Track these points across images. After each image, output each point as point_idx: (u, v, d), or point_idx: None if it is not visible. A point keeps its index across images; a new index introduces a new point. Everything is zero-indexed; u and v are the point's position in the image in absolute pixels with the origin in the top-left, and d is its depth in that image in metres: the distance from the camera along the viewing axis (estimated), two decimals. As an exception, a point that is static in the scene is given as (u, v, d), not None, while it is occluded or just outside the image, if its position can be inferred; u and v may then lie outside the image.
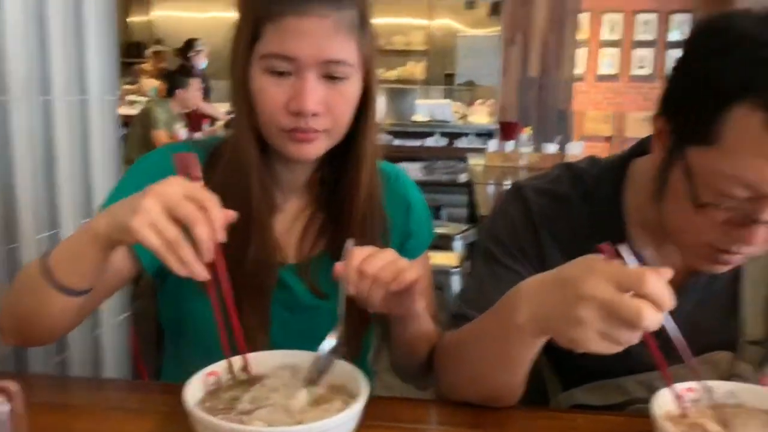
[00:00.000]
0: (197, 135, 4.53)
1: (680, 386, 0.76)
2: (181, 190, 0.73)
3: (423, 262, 1.09)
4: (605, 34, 7.80)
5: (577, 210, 0.94)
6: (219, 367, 0.81)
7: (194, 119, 4.67)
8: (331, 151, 0.95)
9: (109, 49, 1.59)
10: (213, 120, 5.10)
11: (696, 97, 0.76)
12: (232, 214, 0.75)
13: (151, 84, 6.52)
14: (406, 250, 1.06)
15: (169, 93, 4.82)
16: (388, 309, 0.85)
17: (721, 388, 0.78)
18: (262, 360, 0.84)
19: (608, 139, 7.81)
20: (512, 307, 0.74)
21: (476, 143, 5.82)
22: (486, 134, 5.77)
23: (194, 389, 0.76)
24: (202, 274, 0.72)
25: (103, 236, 0.77)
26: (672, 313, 0.87)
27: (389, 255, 0.82)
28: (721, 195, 0.74)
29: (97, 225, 0.78)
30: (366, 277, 0.80)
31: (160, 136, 4.55)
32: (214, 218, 0.72)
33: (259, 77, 0.89)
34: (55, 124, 1.43)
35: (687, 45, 0.81)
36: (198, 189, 0.74)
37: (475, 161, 4.23)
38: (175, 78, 4.82)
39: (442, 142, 5.99)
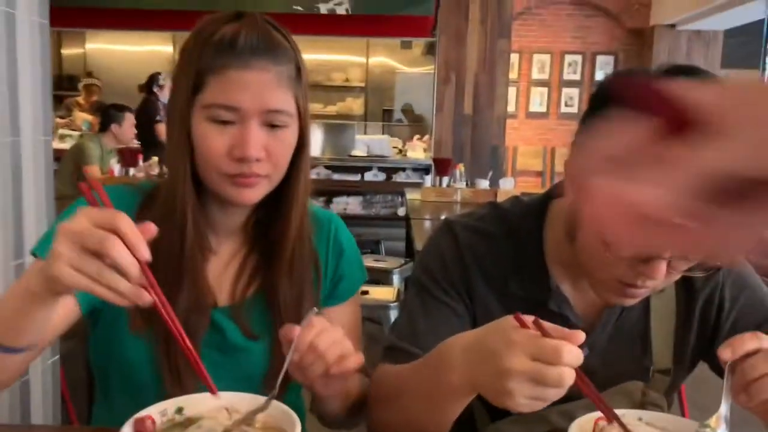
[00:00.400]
0: (132, 171, 4.45)
1: (593, 415, 0.83)
2: (87, 220, 0.70)
3: (354, 303, 1.13)
4: (535, 74, 8.16)
5: (502, 247, 1.00)
6: (154, 410, 0.83)
7: (128, 155, 4.59)
8: (266, 195, 0.98)
9: (44, 89, 1.59)
10: (147, 156, 5.03)
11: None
12: (151, 228, 0.72)
13: (83, 118, 6.39)
14: (338, 292, 1.10)
15: (103, 128, 4.73)
16: (320, 386, 0.87)
17: (631, 415, 0.85)
18: (197, 401, 0.86)
19: (539, 173, 8.13)
20: (446, 368, 0.78)
21: (414, 178, 5.94)
22: (423, 169, 5.89)
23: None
24: (141, 297, 0.71)
25: (36, 292, 0.76)
26: (590, 345, 0.95)
27: (339, 335, 0.85)
28: None
29: (28, 281, 0.77)
30: (314, 351, 0.82)
31: (93, 171, 4.46)
32: (129, 238, 0.69)
33: (202, 125, 0.91)
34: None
35: (591, 99, 0.89)
36: (105, 213, 0.71)
37: (412, 196, 4.32)
38: (109, 113, 4.74)
39: (381, 176, 6.09)
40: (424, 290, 1.01)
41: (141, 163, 4.60)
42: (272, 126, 0.93)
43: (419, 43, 7.14)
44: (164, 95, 5.42)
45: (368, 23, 5.93)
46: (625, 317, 0.99)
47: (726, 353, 0.74)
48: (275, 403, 0.83)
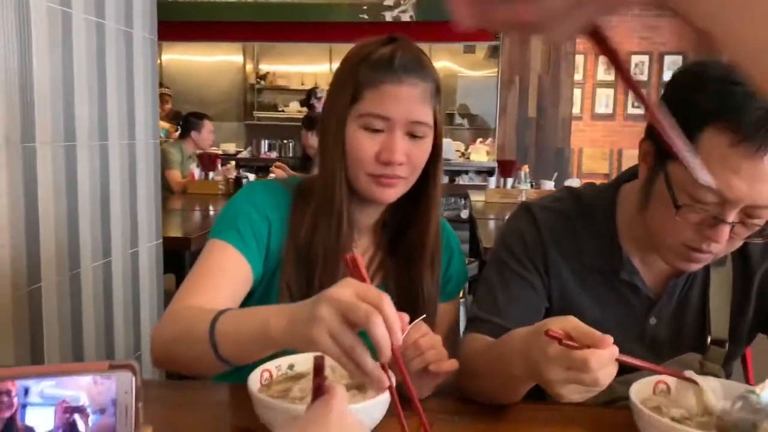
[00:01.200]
0: (211, 174, 4.71)
1: (652, 378, 0.93)
2: (353, 291, 0.72)
3: (457, 303, 1.27)
4: (600, 75, 8.09)
5: (577, 224, 1.10)
6: (270, 364, 0.98)
7: (207, 160, 4.86)
8: (398, 199, 1.12)
9: (153, 98, 1.79)
10: (225, 160, 5.31)
11: (676, 121, 0.95)
12: (405, 318, 0.73)
13: (161, 126, 6.75)
14: (447, 290, 1.23)
15: (183, 134, 5.03)
16: (413, 382, 0.94)
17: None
18: (305, 360, 1.00)
19: (606, 176, 8.03)
20: (508, 360, 0.90)
21: (477, 180, 6.03)
22: (486, 172, 5.97)
23: (253, 382, 0.92)
24: (382, 382, 0.72)
25: (279, 342, 0.81)
26: (657, 315, 1.05)
27: (439, 341, 0.97)
28: (694, 200, 0.91)
29: (274, 329, 0.80)
30: (417, 348, 0.94)
31: (174, 175, 4.74)
32: (390, 320, 0.70)
33: (356, 132, 1.06)
34: (109, 165, 1.62)
35: (670, 82, 1.00)
36: (371, 290, 0.73)
37: (476, 198, 4.40)
38: (189, 120, 5.03)
39: (444, 179, 6.20)
40: (503, 265, 1.11)
41: (219, 167, 4.85)
42: (414, 136, 1.07)
43: (482, 47, 7.21)
44: (319, 106, 5.69)
45: (432, 29, 6.04)
46: (689, 289, 1.08)
47: None
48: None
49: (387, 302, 0.71)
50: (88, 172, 1.54)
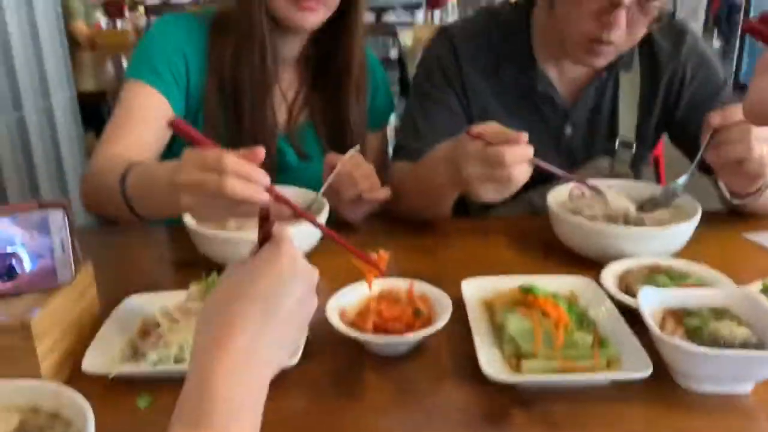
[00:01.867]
0: (119, 23, 4.39)
1: (568, 185, 1.00)
2: (193, 167, 0.68)
3: (384, 132, 1.28)
4: None
5: (494, 40, 1.12)
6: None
7: (113, 7, 4.50)
8: (320, 28, 1.08)
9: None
10: (132, 5, 4.92)
11: None
12: (260, 153, 0.68)
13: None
14: (371, 121, 1.22)
15: (84, -20, 4.60)
16: (348, 210, 1.02)
17: (601, 183, 1.01)
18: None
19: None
20: (433, 172, 0.95)
21: (404, 17, 5.83)
22: (414, 6, 5.76)
23: (189, 219, 0.93)
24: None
25: (167, 204, 0.76)
26: (572, 123, 1.10)
27: (372, 170, 1.00)
28: None
29: (176, 199, 0.72)
30: (351, 178, 0.97)
31: (79, 27, 4.39)
32: (241, 172, 0.66)
33: None
34: (3, 8, 1.48)
35: None
36: (207, 157, 0.67)
37: (405, 35, 4.28)
38: (88, -36, 4.58)
39: (370, 17, 5.97)
40: (422, 93, 1.14)
41: (127, 14, 4.52)
42: None
43: None
44: None
45: None
46: (600, 96, 1.13)
47: (716, 119, 0.86)
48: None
49: (227, 160, 0.66)
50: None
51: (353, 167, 0.99)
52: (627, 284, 0.80)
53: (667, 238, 0.89)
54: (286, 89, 1.16)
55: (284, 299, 0.52)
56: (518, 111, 1.12)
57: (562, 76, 1.12)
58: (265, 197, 0.65)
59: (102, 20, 4.49)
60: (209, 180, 0.66)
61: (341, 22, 1.10)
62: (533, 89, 1.11)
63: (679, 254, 0.89)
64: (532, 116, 1.12)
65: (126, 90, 1.04)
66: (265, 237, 0.57)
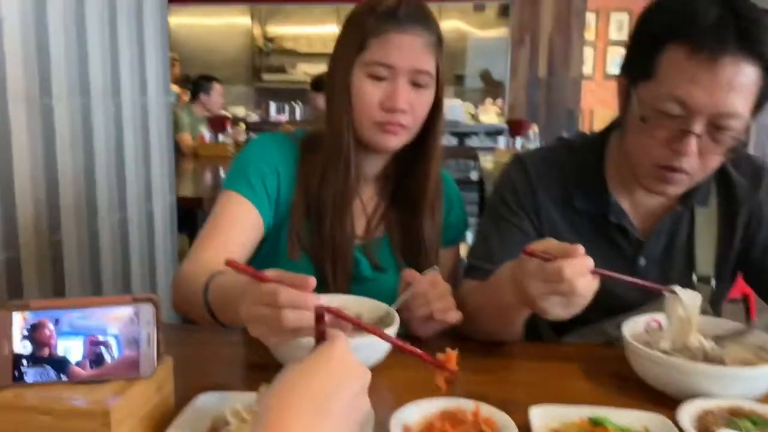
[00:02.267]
0: (221, 137, 4.74)
1: (645, 317, 0.98)
2: (256, 305, 0.74)
3: (456, 250, 1.33)
4: (613, 34, 7.97)
5: (567, 170, 1.14)
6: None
7: (217, 122, 4.89)
8: (401, 150, 1.17)
9: (164, 56, 1.82)
10: (235, 122, 5.33)
11: (640, 45, 1.01)
12: (311, 281, 0.73)
13: (172, 89, 6.77)
14: (445, 238, 1.27)
15: (193, 97, 5.06)
16: (419, 327, 1.04)
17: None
18: (337, 300, 1.03)
19: (616, 136, 7.96)
20: (501, 291, 0.95)
21: (487, 142, 6.01)
22: (496, 133, 5.95)
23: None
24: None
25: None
26: (646, 255, 1.09)
27: (447, 291, 1.03)
28: (660, 113, 0.96)
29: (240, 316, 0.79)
30: (425, 297, 1.01)
31: (185, 138, 4.78)
32: (296, 303, 0.71)
33: (361, 80, 1.11)
34: (123, 121, 1.66)
35: (636, 19, 1.04)
36: (265, 294, 0.73)
37: (486, 159, 4.40)
38: (199, 83, 5.06)
39: (453, 141, 6.18)
40: (496, 215, 1.17)
41: (229, 130, 4.88)
42: (417, 85, 1.11)
43: (492, 6, 7.11)
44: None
45: (441, -12, 5.97)
46: (675, 230, 1.12)
47: None
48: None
49: (282, 296, 0.71)
50: (103, 128, 1.58)
51: (429, 286, 1.02)
52: (706, 426, 0.76)
53: (751, 380, 0.85)
54: (366, 203, 1.23)
55: (335, 398, 0.54)
56: (591, 240, 1.10)
57: (636, 207, 1.13)
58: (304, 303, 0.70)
59: (206, 133, 4.86)
60: (268, 315, 0.72)
61: (420, 145, 1.18)
62: (606, 219, 1.11)
63: (764, 398, 0.84)
64: (605, 246, 1.12)
65: (221, 199, 1.14)
66: (320, 337, 0.60)
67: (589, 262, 0.83)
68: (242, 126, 5.12)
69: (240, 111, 7.31)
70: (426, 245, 1.20)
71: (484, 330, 1.06)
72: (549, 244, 0.86)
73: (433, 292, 1.01)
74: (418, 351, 0.67)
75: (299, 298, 0.71)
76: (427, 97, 1.13)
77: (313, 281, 0.72)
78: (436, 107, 1.16)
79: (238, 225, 1.11)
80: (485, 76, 7.47)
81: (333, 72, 1.15)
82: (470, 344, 1.05)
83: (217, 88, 5.07)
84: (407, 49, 1.09)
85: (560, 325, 1.17)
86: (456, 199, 1.30)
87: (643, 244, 1.12)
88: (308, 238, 1.16)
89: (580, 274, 0.82)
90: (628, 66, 1.04)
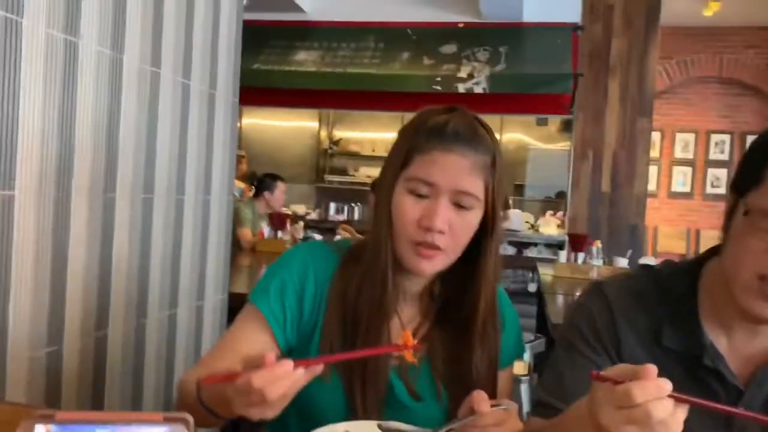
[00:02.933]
0: (280, 233, 4.81)
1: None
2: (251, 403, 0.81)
3: (510, 372, 1.22)
4: (678, 153, 7.90)
5: (654, 304, 1.03)
6: (325, 429, 0.95)
7: (277, 219, 4.98)
8: (447, 270, 1.10)
9: (231, 156, 1.86)
10: (294, 219, 5.42)
11: (752, 159, 0.96)
12: (269, 357, 0.80)
13: (237, 185, 7.01)
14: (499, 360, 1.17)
15: (257, 194, 5.20)
16: None
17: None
18: (362, 427, 0.97)
19: (682, 256, 7.71)
20: (574, 427, 0.85)
21: (546, 253, 5.89)
22: (556, 245, 5.83)
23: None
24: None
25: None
26: (746, 404, 0.96)
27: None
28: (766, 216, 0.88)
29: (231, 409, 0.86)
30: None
31: (245, 233, 4.88)
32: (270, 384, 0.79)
33: (402, 196, 1.06)
34: (183, 219, 1.67)
35: (747, 150, 0.99)
36: (240, 387, 0.81)
37: (545, 271, 4.28)
38: (265, 181, 5.21)
39: (511, 251, 6.09)
40: (571, 348, 1.05)
41: (288, 227, 4.95)
42: (459, 206, 1.06)
43: (555, 120, 7.19)
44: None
45: (504, 101, 6.08)
46: None
47: None
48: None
49: (255, 379, 0.79)
50: (163, 225, 1.58)
51: (493, 424, 0.91)
52: None
53: None
54: (406, 323, 1.14)
55: None
56: (681, 383, 0.97)
57: (734, 351, 1.00)
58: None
59: (266, 229, 4.94)
60: (256, 401, 0.80)
61: (471, 265, 1.10)
62: (699, 361, 0.99)
63: None
64: (697, 391, 0.98)
65: (243, 312, 1.11)
66: None
67: (665, 384, 0.73)
68: (301, 224, 5.19)
69: (301, 209, 7.46)
70: (474, 375, 1.10)
71: None
72: (619, 368, 0.77)
73: (495, 430, 0.90)
74: (387, 348, 0.84)
75: (274, 374, 0.79)
76: (469, 219, 1.07)
77: (270, 356, 0.80)
78: (486, 228, 1.09)
79: (249, 342, 1.07)
80: (546, 189, 7.45)
81: (379, 184, 1.11)
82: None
83: (280, 186, 5.20)
84: (450, 169, 1.04)
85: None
86: (510, 322, 1.20)
87: (742, 393, 0.99)
88: (342, 349, 1.07)
89: (653, 397, 0.72)
90: (737, 180, 0.97)
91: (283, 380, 0.80)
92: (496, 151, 1.08)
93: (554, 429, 0.93)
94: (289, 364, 0.80)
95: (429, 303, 1.16)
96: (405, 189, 1.06)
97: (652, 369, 0.74)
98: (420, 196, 1.05)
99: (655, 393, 0.72)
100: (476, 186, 1.05)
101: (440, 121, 1.06)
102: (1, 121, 1.11)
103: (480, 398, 0.92)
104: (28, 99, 1.17)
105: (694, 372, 0.99)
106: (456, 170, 1.04)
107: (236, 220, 4.96)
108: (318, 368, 0.84)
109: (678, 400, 0.74)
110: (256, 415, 0.84)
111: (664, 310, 1.02)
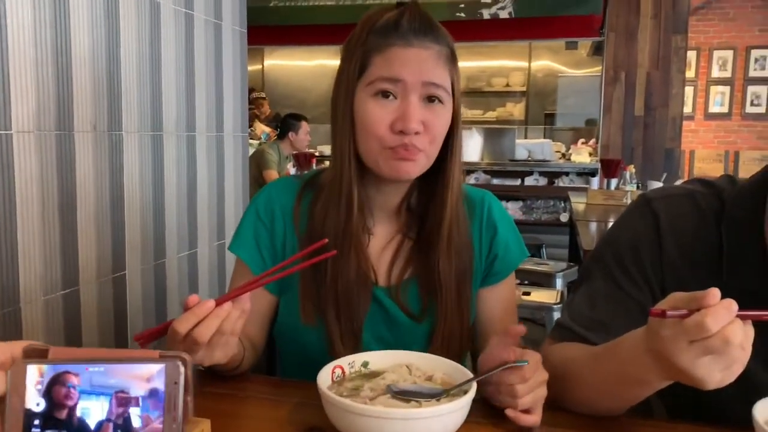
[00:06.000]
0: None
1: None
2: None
3: (510, 283, 1.14)
4: (715, 72, 7.55)
5: (713, 230, 0.88)
6: (343, 361, 0.91)
7: (303, 159, 4.94)
8: (419, 178, 1.03)
9: (242, 91, 1.79)
10: (320, 160, 5.38)
11: None
12: (191, 299, 0.80)
13: (262, 129, 6.96)
14: (494, 270, 1.11)
15: (281, 135, 5.14)
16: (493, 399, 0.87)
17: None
18: (380, 358, 0.93)
19: (720, 179, 7.46)
20: (638, 365, 0.75)
21: (578, 182, 5.76)
22: (588, 173, 5.69)
23: (323, 379, 0.86)
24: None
25: None
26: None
27: (538, 386, 0.84)
28: None
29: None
30: (511, 392, 0.82)
31: (272, 175, 4.87)
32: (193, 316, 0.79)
33: (366, 101, 0.98)
34: (196, 155, 1.62)
35: None
36: (170, 335, 0.81)
37: (577, 200, 4.18)
38: (287, 122, 5.14)
39: (542, 181, 5.97)
40: (610, 277, 0.93)
41: (314, 166, 4.92)
42: (430, 100, 0.98)
43: (585, 44, 6.89)
44: None
45: (531, 26, 5.84)
46: None
47: None
48: (456, 365, 0.88)
49: (177, 325, 0.79)
50: (175, 163, 1.54)
51: (520, 381, 0.83)
52: None
53: None
54: (384, 243, 1.08)
55: None
56: None
57: None
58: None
59: (291, 170, 4.92)
60: (190, 346, 0.79)
61: (438, 171, 1.03)
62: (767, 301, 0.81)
63: None
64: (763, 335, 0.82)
65: (235, 264, 1.11)
66: None
67: (732, 305, 0.66)
68: (327, 163, 5.15)
69: (327, 149, 7.41)
70: (442, 285, 1.04)
71: (590, 405, 0.87)
72: (675, 298, 0.69)
73: (522, 388, 0.83)
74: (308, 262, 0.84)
75: (192, 316, 0.78)
76: (443, 114, 0.99)
77: (191, 299, 0.79)
78: (453, 127, 1.02)
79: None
80: (577, 116, 7.22)
81: (335, 100, 1.02)
82: (559, 417, 0.89)
83: (304, 126, 5.12)
84: (414, 61, 0.96)
85: (676, 401, 0.97)
86: (502, 226, 1.12)
87: None
88: (315, 284, 1.03)
89: (725, 321, 0.65)
90: None
91: (211, 320, 0.78)
92: (452, 44, 1.02)
93: (598, 360, 0.84)
94: (209, 303, 0.79)
95: (407, 217, 1.09)
96: (368, 95, 0.98)
97: (715, 292, 0.66)
98: (386, 96, 0.97)
99: (727, 317, 0.66)
100: (444, 77, 0.99)
101: (393, 17, 0.98)
102: (-9, 57, 1.06)
103: (504, 345, 0.85)
104: (17, 24, 1.10)
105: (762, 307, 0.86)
106: (421, 62, 0.96)
107: (262, 163, 4.94)
108: (245, 302, 0.82)
109: (745, 318, 0.67)
110: (205, 361, 0.83)
111: (727, 238, 0.87)
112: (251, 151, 5.67)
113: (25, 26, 1.12)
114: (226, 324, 0.80)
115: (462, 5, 5.60)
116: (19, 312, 1.12)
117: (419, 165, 1.00)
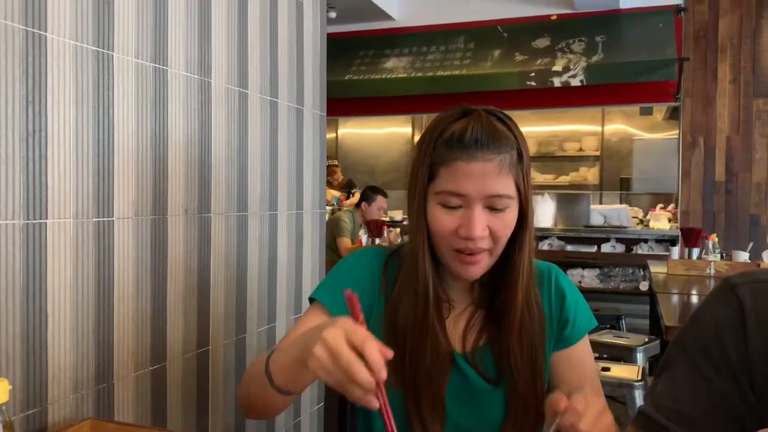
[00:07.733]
0: (378, 240, 4.85)
1: None
2: (342, 336, 0.78)
3: (584, 345, 1.18)
4: (802, 134, 7.24)
5: None
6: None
7: (374, 227, 5.03)
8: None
9: (321, 169, 1.86)
10: (391, 226, 5.45)
11: None
12: (388, 353, 0.78)
13: (332, 194, 7.15)
14: (564, 335, 1.16)
15: (358, 204, 5.30)
16: None
17: None
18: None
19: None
20: None
21: (657, 250, 5.57)
22: (668, 241, 5.50)
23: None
24: (370, 402, 0.78)
25: (300, 360, 0.87)
26: None
27: (597, 411, 0.86)
28: None
29: (300, 345, 0.88)
30: (578, 428, 0.84)
31: (345, 242, 4.98)
32: (371, 361, 0.76)
33: (435, 207, 1.06)
34: (277, 233, 1.69)
35: None
36: (358, 332, 0.78)
37: (657, 269, 4.04)
38: (366, 193, 5.30)
39: (620, 248, 5.80)
40: (694, 366, 0.90)
41: (385, 233, 4.98)
42: (494, 209, 1.04)
43: (660, 109, 6.79)
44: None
45: (604, 92, 5.82)
46: None
47: None
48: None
49: (369, 345, 0.76)
50: (258, 241, 1.61)
51: (576, 416, 0.84)
52: None
53: None
54: (459, 315, 1.15)
55: None
56: None
57: None
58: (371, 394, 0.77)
59: (364, 237, 5.01)
60: (344, 358, 0.76)
61: (507, 261, 1.09)
62: None
63: None
64: None
65: (307, 309, 1.13)
66: None
67: None
68: (398, 230, 5.20)
69: (397, 214, 7.51)
70: (513, 366, 1.09)
71: None
72: None
73: (584, 426, 0.84)
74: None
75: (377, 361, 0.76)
76: (507, 218, 1.05)
77: (389, 353, 0.77)
78: (522, 223, 1.07)
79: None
80: (654, 181, 7.05)
81: (410, 195, 1.10)
82: None
83: (379, 200, 5.27)
84: (477, 177, 1.02)
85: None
86: (570, 294, 1.17)
87: None
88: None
89: None
90: None
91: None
92: (519, 143, 1.06)
93: None
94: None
95: (482, 292, 1.16)
96: (436, 202, 1.06)
97: None
98: (452, 207, 1.04)
99: None
100: (507, 186, 1.04)
101: (458, 131, 1.04)
102: (98, 150, 1.17)
103: (558, 397, 0.87)
104: (122, 126, 1.22)
105: None
106: (484, 176, 1.02)
107: (337, 230, 5.07)
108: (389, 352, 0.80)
109: None
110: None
111: None
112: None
113: (129, 120, 1.23)
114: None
115: (533, 74, 5.65)
116: (112, 388, 1.19)
117: (483, 265, 1.07)
